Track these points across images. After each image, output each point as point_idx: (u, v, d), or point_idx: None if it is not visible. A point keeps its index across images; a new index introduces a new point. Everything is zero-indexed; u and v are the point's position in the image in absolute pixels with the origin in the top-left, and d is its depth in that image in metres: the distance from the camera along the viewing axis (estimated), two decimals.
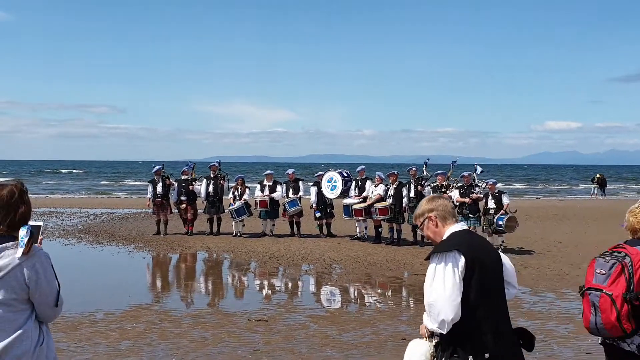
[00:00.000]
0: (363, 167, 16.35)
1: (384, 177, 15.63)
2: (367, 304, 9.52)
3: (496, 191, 14.26)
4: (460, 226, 3.32)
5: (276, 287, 10.87)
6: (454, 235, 3.25)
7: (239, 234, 16.78)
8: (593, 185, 41.94)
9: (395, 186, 15.24)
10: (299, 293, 10.42)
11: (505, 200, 14.13)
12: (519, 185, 60.54)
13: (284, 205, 16.63)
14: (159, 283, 11.44)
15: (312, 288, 10.74)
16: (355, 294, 10.29)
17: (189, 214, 17.11)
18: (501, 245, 14.11)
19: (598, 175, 42.21)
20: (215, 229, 17.19)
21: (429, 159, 16.08)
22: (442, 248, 3.14)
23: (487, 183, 14.51)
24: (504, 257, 3.41)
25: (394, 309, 9.02)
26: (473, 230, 14.15)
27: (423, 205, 3.41)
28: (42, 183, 54.85)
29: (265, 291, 10.54)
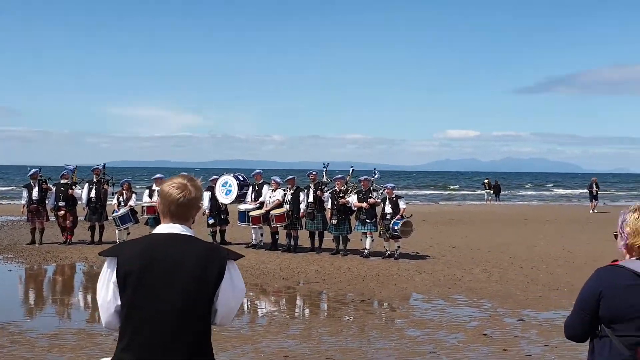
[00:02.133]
0: (259, 171, 15.68)
1: (280, 181, 15.03)
2: (251, 318, 8.85)
3: (393, 196, 13.99)
4: (166, 228, 2.78)
5: None
6: (143, 238, 2.89)
7: None
8: (485, 191, 43.29)
9: (292, 191, 14.68)
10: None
11: (402, 205, 13.90)
12: (419, 191, 61.90)
13: None
14: (20, 299, 10.25)
15: None
16: (240, 307, 9.59)
17: (67, 222, 15.75)
18: (397, 250, 13.85)
19: (487, 181, 43.66)
20: (97, 238, 15.93)
21: (328, 164, 15.58)
22: (107, 251, 2.77)
23: (384, 188, 14.23)
24: (228, 280, 2.72)
25: (282, 323, 8.40)
26: (370, 235, 13.84)
27: None
28: None
29: None
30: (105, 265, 2.71)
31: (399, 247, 13.93)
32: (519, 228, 21.79)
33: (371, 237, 13.96)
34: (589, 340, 2.91)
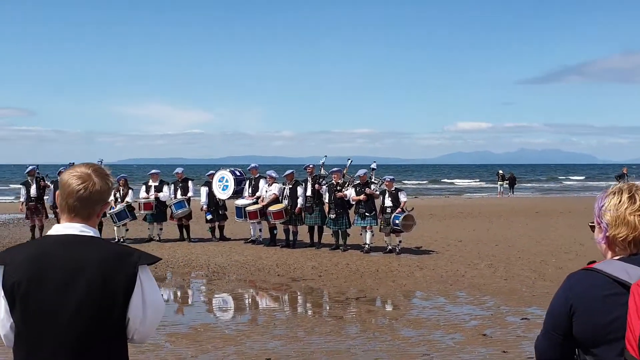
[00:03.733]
0: (255, 165, 15.25)
1: (275, 175, 14.62)
2: (238, 316, 8.45)
3: (393, 189, 13.51)
4: (63, 228, 2.29)
5: None
6: (35, 241, 2.47)
7: (122, 240, 15.31)
8: (499, 183, 42.51)
9: (290, 186, 14.25)
10: (165, 307, 9.20)
11: (403, 197, 13.41)
12: (429, 184, 61.29)
13: (170, 207, 15.30)
14: None
15: (182, 300, 9.58)
16: (229, 306, 9.21)
17: None
18: (398, 245, 13.37)
19: (500, 172, 42.83)
20: None
21: (325, 157, 15.11)
22: None
23: (383, 180, 13.75)
24: (139, 290, 2.27)
25: (268, 322, 7.98)
26: (369, 229, 13.38)
27: None
28: None
29: None
30: None
31: (400, 241, 13.44)
32: (530, 221, 21.18)
33: (371, 231, 13.49)
34: None
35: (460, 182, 66.25)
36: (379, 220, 13.44)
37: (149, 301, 2.25)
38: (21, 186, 16.00)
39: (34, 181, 15.47)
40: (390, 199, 13.33)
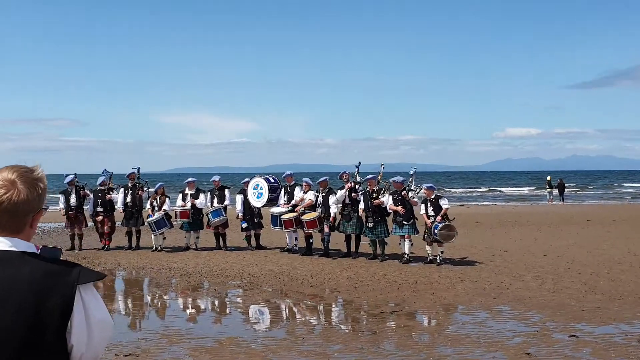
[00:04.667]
0: (290, 172, 14.94)
1: (312, 183, 14.27)
2: (266, 330, 8.08)
3: (433, 196, 12.94)
4: None
5: (168, 312, 9.37)
6: None
7: (159, 248, 15.22)
8: (547, 190, 41.12)
9: (324, 194, 13.86)
10: (192, 318, 8.91)
11: (444, 204, 12.80)
12: (476, 192, 60.00)
13: (207, 215, 15.11)
14: None
15: (211, 312, 9.28)
16: (258, 318, 8.85)
17: (105, 227, 15.54)
18: (440, 255, 12.80)
19: (549, 179, 41.39)
20: (134, 243, 15.61)
21: (359, 163, 14.56)
22: None
23: (421, 188, 13.21)
24: (80, 312, 1.90)
25: (297, 336, 7.60)
26: (408, 238, 12.86)
27: None
28: None
29: (153, 317, 9.04)
30: None
31: (442, 252, 12.87)
32: (581, 230, 20.21)
33: (409, 240, 12.97)
34: None
35: (509, 190, 64.62)
36: (416, 228, 12.93)
37: (94, 322, 1.92)
38: (60, 195, 16.08)
39: (74, 190, 15.54)
40: (431, 207, 12.79)
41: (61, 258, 2.05)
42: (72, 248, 15.56)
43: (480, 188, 67.83)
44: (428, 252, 12.98)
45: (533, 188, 63.74)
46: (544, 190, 44.24)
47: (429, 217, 12.79)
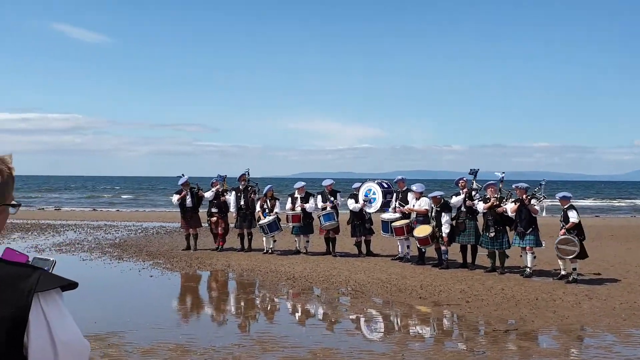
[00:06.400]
0: (402, 177, 14.33)
1: (421, 190, 13.51)
2: (364, 343, 7.57)
3: (566, 206, 11.70)
4: None
5: (267, 317, 9.13)
6: None
7: (270, 251, 15.20)
8: None
9: (438, 209, 13.07)
10: (290, 325, 8.57)
11: (571, 216, 11.45)
12: (614, 203, 55.74)
13: (319, 217, 14.82)
14: (132, 309, 9.46)
15: (311, 319, 8.91)
16: (358, 329, 8.35)
17: (219, 228, 15.76)
18: (573, 272, 11.51)
19: None
20: (246, 245, 15.72)
21: (477, 170, 13.52)
22: None
23: (542, 198, 12.10)
24: (38, 326, 1.53)
25: (396, 352, 7.03)
26: (529, 250, 11.84)
27: None
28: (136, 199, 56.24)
29: (250, 322, 8.80)
30: None
31: (574, 268, 11.53)
32: None
33: (532, 253, 11.91)
34: None
35: None
36: (542, 241, 11.86)
37: (60, 341, 1.54)
38: (175, 194, 16.36)
39: (189, 191, 15.88)
40: (561, 217, 11.66)
41: (50, 270, 1.70)
42: (188, 248, 15.93)
43: (618, 199, 63.04)
44: (561, 266, 11.81)
45: None
46: None
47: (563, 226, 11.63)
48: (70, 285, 1.62)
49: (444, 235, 12.82)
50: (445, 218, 12.81)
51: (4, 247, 1.76)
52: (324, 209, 14.69)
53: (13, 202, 1.69)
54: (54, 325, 1.54)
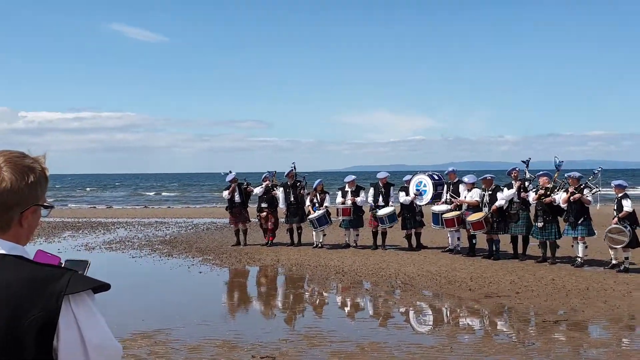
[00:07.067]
0: (453, 169, 14.19)
1: (472, 181, 13.38)
2: (412, 336, 7.56)
3: (620, 195, 11.35)
4: None
5: (315, 312, 9.20)
6: None
7: (320, 245, 15.30)
8: None
9: (490, 192, 12.95)
10: (339, 319, 8.62)
11: (625, 205, 11.09)
12: None
13: (372, 213, 14.73)
14: (180, 306, 9.41)
15: (358, 314, 8.94)
16: (406, 322, 8.34)
17: (269, 223, 15.92)
18: (625, 261, 11.23)
19: None
20: (296, 240, 15.85)
21: (529, 159, 13.25)
22: None
23: (598, 189, 11.77)
24: (68, 329, 1.55)
25: (445, 345, 7.01)
26: (581, 240, 11.58)
27: None
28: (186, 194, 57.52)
29: (297, 317, 8.88)
30: None
31: (626, 257, 11.28)
32: None
33: (583, 243, 11.64)
34: None
35: None
36: (594, 230, 11.58)
37: (91, 344, 1.56)
38: (224, 191, 16.61)
39: (237, 187, 16.09)
40: (615, 206, 11.35)
41: (85, 272, 1.76)
42: (238, 243, 16.14)
43: None
44: (612, 255, 11.53)
45: None
46: None
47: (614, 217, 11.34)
48: (102, 287, 1.62)
49: (495, 206, 12.62)
50: (500, 195, 12.67)
51: (36, 249, 1.82)
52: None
53: (45, 204, 1.68)
54: (84, 328, 1.56)
